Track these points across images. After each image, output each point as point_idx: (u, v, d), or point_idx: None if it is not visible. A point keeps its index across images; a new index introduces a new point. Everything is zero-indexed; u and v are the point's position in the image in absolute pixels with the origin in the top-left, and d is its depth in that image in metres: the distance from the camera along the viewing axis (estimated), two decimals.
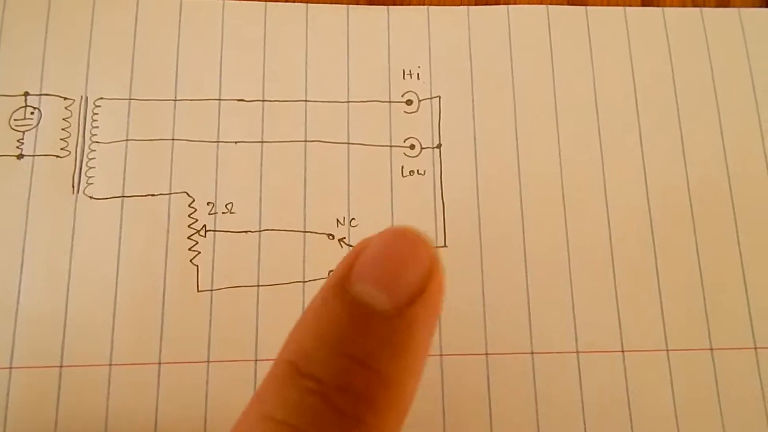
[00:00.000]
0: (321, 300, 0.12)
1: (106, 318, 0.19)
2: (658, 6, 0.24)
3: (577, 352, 0.20)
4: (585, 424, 0.19)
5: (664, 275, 0.20)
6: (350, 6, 0.23)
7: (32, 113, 0.20)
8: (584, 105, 0.22)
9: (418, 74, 0.22)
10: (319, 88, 0.21)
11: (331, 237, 0.20)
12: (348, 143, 0.21)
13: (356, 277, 0.11)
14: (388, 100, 0.21)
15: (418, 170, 0.21)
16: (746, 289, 0.20)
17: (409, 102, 0.22)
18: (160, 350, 0.19)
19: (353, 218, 0.20)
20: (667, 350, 0.20)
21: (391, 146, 0.21)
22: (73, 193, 0.20)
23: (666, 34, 0.23)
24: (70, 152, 0.20)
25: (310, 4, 0.22)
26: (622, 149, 0.21)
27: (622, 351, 0.20)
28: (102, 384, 0.19)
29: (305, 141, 0.21)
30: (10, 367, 0.19)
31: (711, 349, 0.20)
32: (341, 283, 0.11)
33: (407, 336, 0.11)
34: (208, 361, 0.19)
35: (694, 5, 0.24)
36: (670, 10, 0.23)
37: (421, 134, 0.21)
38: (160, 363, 0.19)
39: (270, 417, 0.11)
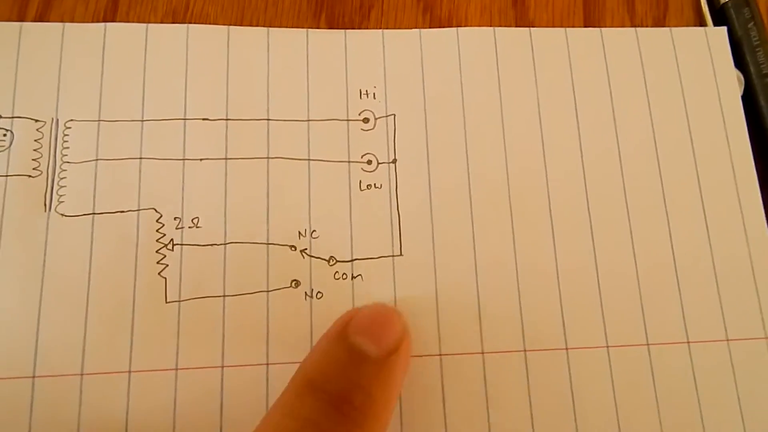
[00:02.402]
0: (326, 342, 0.18)
1: (78, 329, 0.20)
2: (599, 27, 0.26)
3: (525, 350, 0.21)
4: (533, 421, 0.20)
5: (603, 277, 0.22)
6: (309, 30, 0.24)
7: (5, 135, 0.21)
8: (528, 120, 0.23)
9: (374, 94, 0.23)
10: (280, 108, 0.23)
11: (293, 248, 0.21)
12: (308, 159, 0.22)
13: (353, 330, 0.17)
14: (346, 118, 0.23)
15: (375, 184, 0.22)
16: (679, 289, 0.22)
17: (366, 120, 0.23)
18: (131, 359, 0.20)
19: (314, 230, 0.22)
20: (608, 347, 0.21)
21: (349, 162, 0.22)
22: (45, 210, 0.21)
23: (604, 53, 0.24)
24: (41, 172, 0.21)
25: (271, 28, 0.24)
26: (564, 160, 0.23)
27: (566, 348, 0.21)
28: (74, 393, 0.19)
29: (267, 158, 0.22)
30: None
31: (648, 344, 0.21)
32: (343, 333, 0.17)
33: (389, 374, 0.17)
34: (177, 369, 0.20)
35: (633, 25, 0.26)
36: (607, 31, 0.25)
37: (377, 150, 0.23)
38: (130, 371, 0.20)
39: (292, 415, 0.16)
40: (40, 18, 0.24)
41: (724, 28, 0.25)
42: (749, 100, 0.24)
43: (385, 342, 0.17)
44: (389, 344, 0.17)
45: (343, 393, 0.16)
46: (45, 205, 0.21)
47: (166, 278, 0.21)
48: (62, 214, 0.21)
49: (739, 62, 0.25)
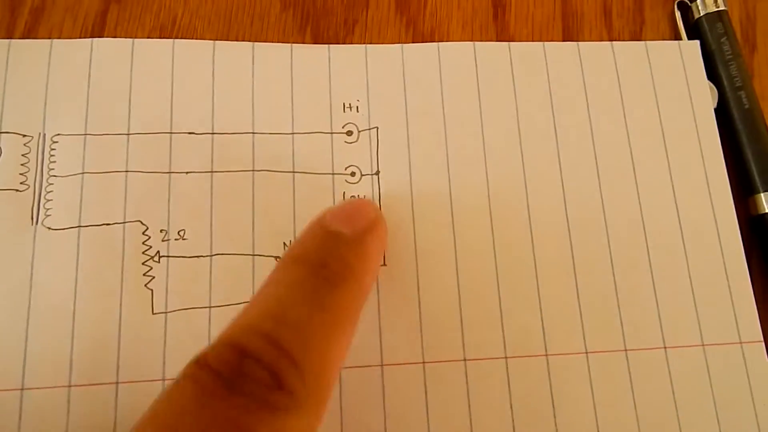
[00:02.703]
0: (307, 228, 0.19)
1: (66, 341, 0.20)
2: (578, 40, 0.27)
3: (506, 357, 0.22)
4: (514, 426, 0.21)
5: (582, 284, 0.22)
6: (294, 45, 0.24)
7: None
8: (508, 132, 0.24)
9: (357, 107, 0.24)
10: (265, 121, 0.23)
11: (278, 259, 0.22)
12: (293, 172, 0.23)
13: (329, 218, 0.19)
14: (330, 131, 0.23)
15: (358, 195, 0.23)
16: (655, 295, 0.22)
17: (349, 133, 0.23)
18: (118, 370, 0.20)
19: None
20: (587, 353, 0.22)
21: (333, 174, 0.23)
22: (32, 224, 0.21)
23: (581, 66, 0.25)
24: (29, 186, 0.21)
25: (256, 43, 0.24)
26: (543, 170, 0.24)
27: (546, 355, 0.22)
28: (62, 404, 0.20)
29: (253, 170, 0.22)
30: None
31: (625, 350, 0.22)
32: (320, 221, 0.19)
33: (364, 250, 0.18)
34: (164, 380, 0.20)
35: (610, 39, 0.27)
36: (584, 45, 0.26)
37: (360, 162, 0.23)
38: (117, 383, 0.20)
39: (280, 283, 0.17)
40: (29, 32, 0.24)
41: (697, 42, 0.26)
42: (723, 112, 0.25)
43: (359, 224, 0.19)
44: (363, 226, 0.19)
45: (323, 261, 0.17)
46: (32, 218, 0.21)
47: (152, 290, 0.21)
48: (49, 228, 0.21)
49: (713, 75, 0.26)
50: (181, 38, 0.25)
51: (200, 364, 0.15)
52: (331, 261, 0.17)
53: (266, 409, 0.14)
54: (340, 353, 0.17)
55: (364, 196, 0.23)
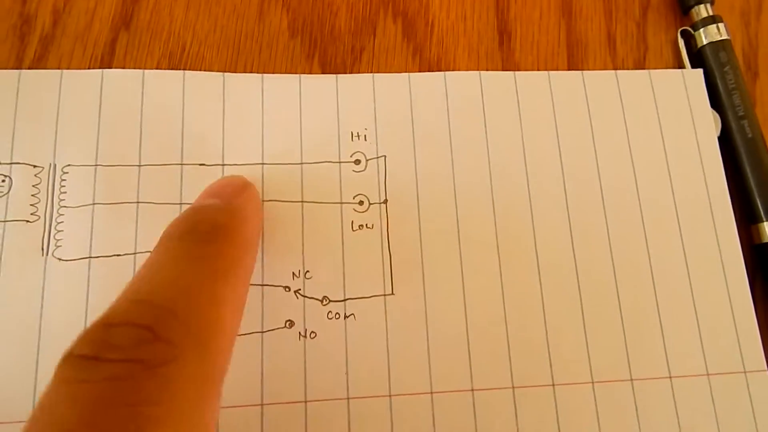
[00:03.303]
0: (190, 210, 0.19)
1: None
2: (583, 67, 0.27)
3: (513, 387, 0.22)
4: None
5: (588, 314, 0.23)
6: (302, 75, 0.25)
7: (3, 181, 0.22)
8: (514, 160, 0.24)
9: (365, 136, 0.24)
10: (274, 151, 0.23)
11: (287, 289, 0.22)
12: (302, 202, 0.23)
13: (202, 197, 0.20)
14: (338, 160, 0.24)
15: (366, 224, 0.23)
16: (661, 325, 0.23)
17: (357, 161, 0.24)
18: None
19: (308, 271, 0.22)
20: (593, 382, 0.22)
21: (341, 203, 0.23)
22: (43, 255, 0.21)
23: (585, 94, 0.25)
24: (39, 217, 0.22)
25: (265, 75, 0.24)
26: (549, 198, 0.24)
27: (553, 385, 0.22)
28: None
29: (262, 200, 0.23)
30: None
31: (631, 379, 0.22)
32: (197, 204, 0.19)
33: (232, 208, 0.19)
34: None
35: (614, 66, 0.27)
36: (588, 73, 0.26)
37: (369, 191, 0.23)
38: None
39: (161, 254, 0.17)
40: (39, 60, 0.25)
41: (701, 71, 0.26)
42: (726, 140, 0.25)
43: (226, 192, 0.19)
44: (229, 192, 0.19)
45: (191, 228, 0.17)
46: (42, 249, 0.21)
47: None
48: (60, 259, 0.21)
49: (716, 104, 0.26)
50: (190, 66, 0.25)
51: (64, 358, 0.13)
52: (199, 225, 0.17)
53: (141, 368, 0.13)
54: (225, 300, 0.16)
55: (372, 226, 0.23)
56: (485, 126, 0.25)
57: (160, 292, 0.15)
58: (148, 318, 0.14)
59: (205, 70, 0.25)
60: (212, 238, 0.17)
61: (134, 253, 0.22)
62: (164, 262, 0.16)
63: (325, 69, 0.26)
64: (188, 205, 0.22)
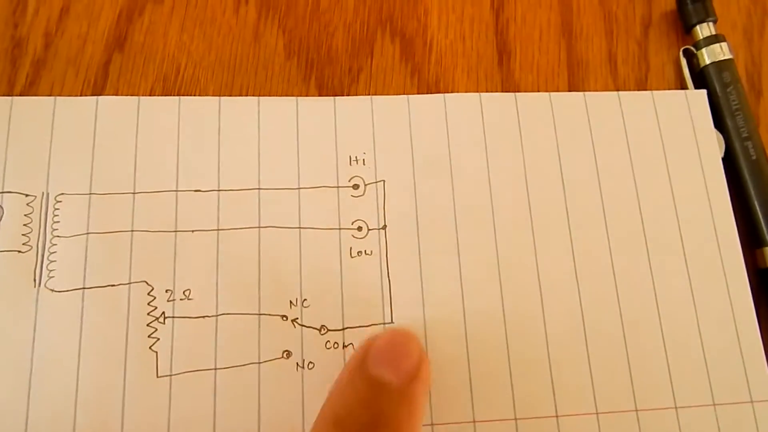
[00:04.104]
0: (348, 375, 0.18)
1: (68, 406, 0.20)
2: (584, 87, 0.27)
3: (516, 419, 0.21)
4: None
5: (592, 344, 0.22)
6: (299, 98, 0.24)
7: None
8: (516, 183, 0.24)
9: (363, 160, 0.24)
10: (271, 176, 0.23)
11: (284, 318, 0.22)
12: (299, 228, 0.22)
13: (372, 361, 0.17)
14: (336, 185, 0.23)
15: (365, 251, 0.23)
16: (666, 354, 0.22)
17: (356, 186, 0.23)
18: None
19: (305, 299, 0.22)
20: (597, 413, 0.21)
21: (340, 229, 0.23)
22: (35, 286, 0.21)
23: (587, 115, 0.25)
24: (31, 247, 0.21)
25: (261, 98, 0.24)
26: (551, 223, 0.23)
27: (557, 416, 0.21)
28: None
29: (258, 227, 0.22)
30: None
31: (636, 410, 0.22)
32: (362, 366, 0.17)
33: (411, 401, 0.17)
34: None
35: (616, 86, 0.27)
36: (590, 94, 0.26)
37: (367, 216, 0.23)
38: None
39: (338, 422, 0.16)
40: (30, 85, 0.24)
41: (704, 92, 0.26)
42: (730, 161, 0.25)
43: (404, 370, 0.17)
44: (408, 371, 0.17)
45: (369, 427, 0.16)
46: (35, 280, 0.21)
47: (157, 352, 0.21)
48: (52, 290, 0.21)
49: (719, 124, 0.25)
50: (185, 88, 0.25)
51: None
52: (378, 426, 0.16)
53: None
54: None
55: (371, 252, 0.22)
56: (486, 148, 0.24)
57: None
58: None
59: (200, 93, 0.25)
60: None
61: (129, 283, 0.21)
62: None
63: (322, 91, 0.26)
64: (183, 233, 0.22)
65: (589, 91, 0.26)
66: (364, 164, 0.24)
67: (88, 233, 0.21)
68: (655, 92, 0.26)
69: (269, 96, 0.24)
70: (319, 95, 0.25)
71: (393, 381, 0.17)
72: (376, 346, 0.18)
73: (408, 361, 0.18)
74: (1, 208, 0.21)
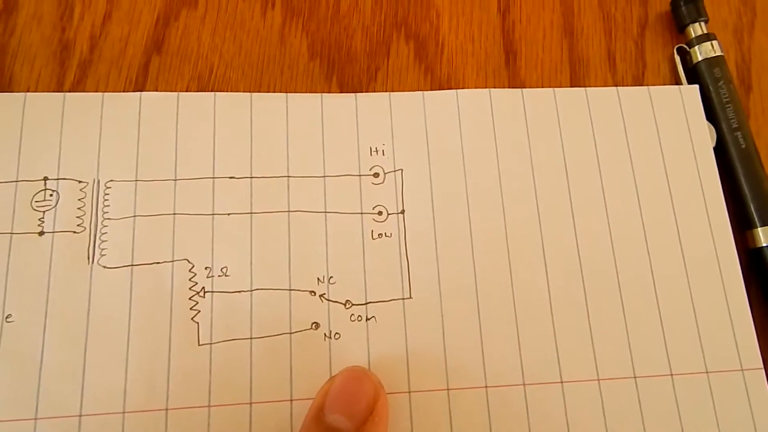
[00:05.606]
0: (308, 426, 0.19)
1: (119, 371, 0.22)
2: (584, 83, 0.29)
3: (524, 384, 0.23)
4: None
5: (593, 314, 0.24)
6: (324, 94, 0.26)
7: (51, 195, 0.24)
8: (523, 172, 0.26)
9: (383, 151, 0.26)
10: (299, 165, 0.25)
11: (312, 293, 0.24)
12: (325, 212, 0.25)
13: (327, 410, 0.19)
14: (358, 173, 0.25)
15: (385, 233, 0.25)
16: (662, 325, 0.24)
17: (376, 175, 0.25)
18: (167, 398, 0.22)
19: (331, 276, 0.24)
20: (599, 380, 0.23)
21: (362, 213, 0.25)
22: (89, 263, 0.23)
23: (588, 109, 0.27)
24: (85, 228, 0.23)
25: (289, 94, 0.26)
26: (554, 206, 0.26)
27: (561, 382, 0.23)
28: (116, 430, 0.21)
29: (288, 211, 0.24)
30: (35, 418, 0.21)
31: (635, 377, 0.24)
32: (318, 415, 0.19)
33: None
34: (209, 406, 0.22)
35: (614, 82, 0.29)
36: (591, 90, 0.28)
37: (387, 202, 0.25)
38: (167, 409, 0.22)
39: None
40: (78, 83, 0.27)
41: (696, 87, 0.28)
42: (721, 151, 0.27)
43: (358, 412, 0.19)
44: (362, 415, 0.19)
45: None
46: (88, 258, 0.23)
47: (198, 323, 0.23)
48: (104, 266, 0.23)
49: (711, 117, 0.27)
50: (218, 86, 0.27)
51: None
52: None
53: None
54: None
55: (391, 234, 0.25)
56: (495, 139, 0.26)
57: None
58: None
59: (231, 91, 0.27)
60: None
61: (172, 261, 0.23)
62: None
63: (343, 88, 0.28)
64: (220, 216, 0.24)
65: (590, 86, 0.28)
66: (383, 155, 0.26)
67: (135, 216, 0.24)
68: (651, 87, 0.28)
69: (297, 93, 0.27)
70: (341, 93, 0.27)
71: (348, 428, 0.18)
72: (330, 393, 0.20)
73: (361, 404, 0.19)
74: (58, 193, 0.24)
